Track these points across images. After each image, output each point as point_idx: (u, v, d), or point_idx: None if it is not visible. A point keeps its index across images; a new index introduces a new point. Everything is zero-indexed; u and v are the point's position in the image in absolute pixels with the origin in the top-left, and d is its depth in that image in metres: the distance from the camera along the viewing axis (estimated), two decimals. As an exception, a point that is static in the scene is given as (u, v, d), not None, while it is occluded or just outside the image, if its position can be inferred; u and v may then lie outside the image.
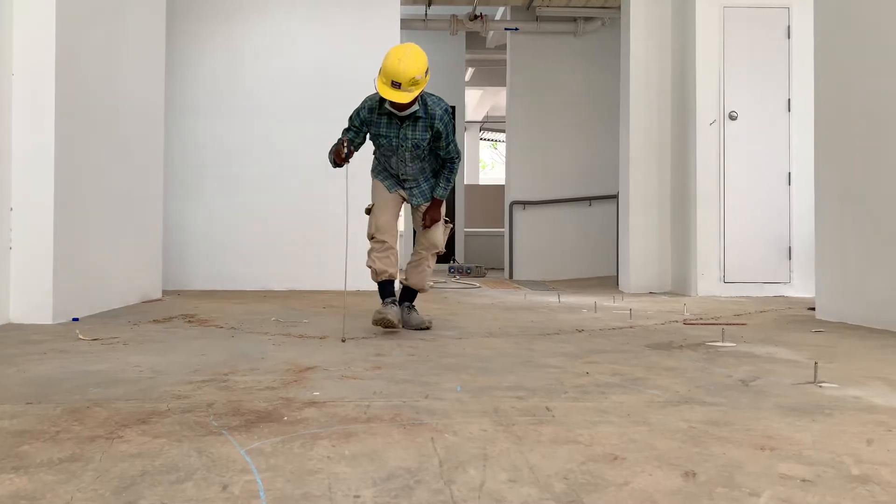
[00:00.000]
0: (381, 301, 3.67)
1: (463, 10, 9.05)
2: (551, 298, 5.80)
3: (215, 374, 2.47)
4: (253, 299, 5.40)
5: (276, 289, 6.28)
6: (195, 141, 6.44)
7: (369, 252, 3.68)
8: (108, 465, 1.48)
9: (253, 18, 6.52)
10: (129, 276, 4.88)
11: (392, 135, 3.60)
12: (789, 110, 6.02)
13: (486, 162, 23.66)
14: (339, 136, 3.68)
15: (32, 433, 1.71)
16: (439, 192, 3.76)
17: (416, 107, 3.51)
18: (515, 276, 8.77)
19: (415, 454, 1.56)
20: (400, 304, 3.77)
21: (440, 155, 3.72)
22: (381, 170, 3.82)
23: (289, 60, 6.48)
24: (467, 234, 10.94)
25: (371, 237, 3.70)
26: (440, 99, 3.64)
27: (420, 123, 3.57)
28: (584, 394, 2.20)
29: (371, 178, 3.88)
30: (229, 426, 1.78)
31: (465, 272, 8.94)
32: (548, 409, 2.00)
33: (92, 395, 2.12)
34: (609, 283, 7.50)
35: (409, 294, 3.87)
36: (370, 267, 3.67)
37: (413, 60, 3.34)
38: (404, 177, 3.74)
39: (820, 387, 2.32)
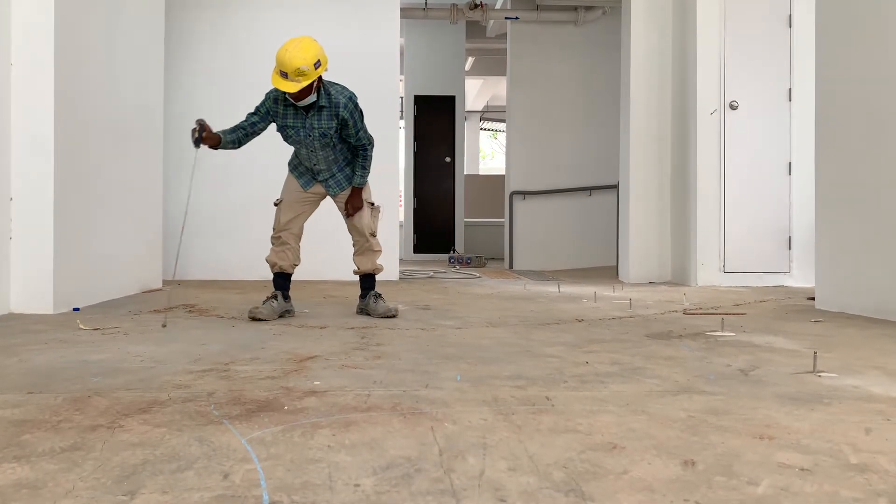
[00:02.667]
0: (272, 291, 3.85)
1: (463, -1, 9.01)
2: (551, 288, 5.80)
3: (216, 363, 2.48)
4: (253, 289, 5.40)
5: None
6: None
7: (271, 245, 3.89)
8: (109, 454, 1.48)
9: (252, 8, 6.49)
10: (129, 265, 4.88)
11: (298, 125, 3.67)
12: (790, 100, 5.99)
13: (486, 152, 23.63)
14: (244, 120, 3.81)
15: (34, 422, 1.72)
16: (357, 181, 3.83)
17: (312, 97, 3.55)
18: (515, 266, 8.77)
19: (415, 443, 1.57)
20: (363, 296, 3.93)
21: (351, 143, 3.77)
22: (297, 164, 3.90)
23: (288, 50, 6.45)
24: (467, 224, 10.93)
25: (273, 229, 3.87)
26: (344, 88, 3.69)
27: (325, 113, 3.62)
28: (584, 383, 2.21)
29: (287, 170, 3.97)
30: (230, 415, 1.79)
31: (465, 262, 8.94)
32: (547, 398, 2.01)
33: (93, 385, 2.13)
34: (609, 272, 7.50)
35: (367, 283, 3.95)
36: (267, 259, 3.88)
37: (298, 52, 3.37)
38: (317, 167, 3.81)
39: (819, 376, 2.33)
